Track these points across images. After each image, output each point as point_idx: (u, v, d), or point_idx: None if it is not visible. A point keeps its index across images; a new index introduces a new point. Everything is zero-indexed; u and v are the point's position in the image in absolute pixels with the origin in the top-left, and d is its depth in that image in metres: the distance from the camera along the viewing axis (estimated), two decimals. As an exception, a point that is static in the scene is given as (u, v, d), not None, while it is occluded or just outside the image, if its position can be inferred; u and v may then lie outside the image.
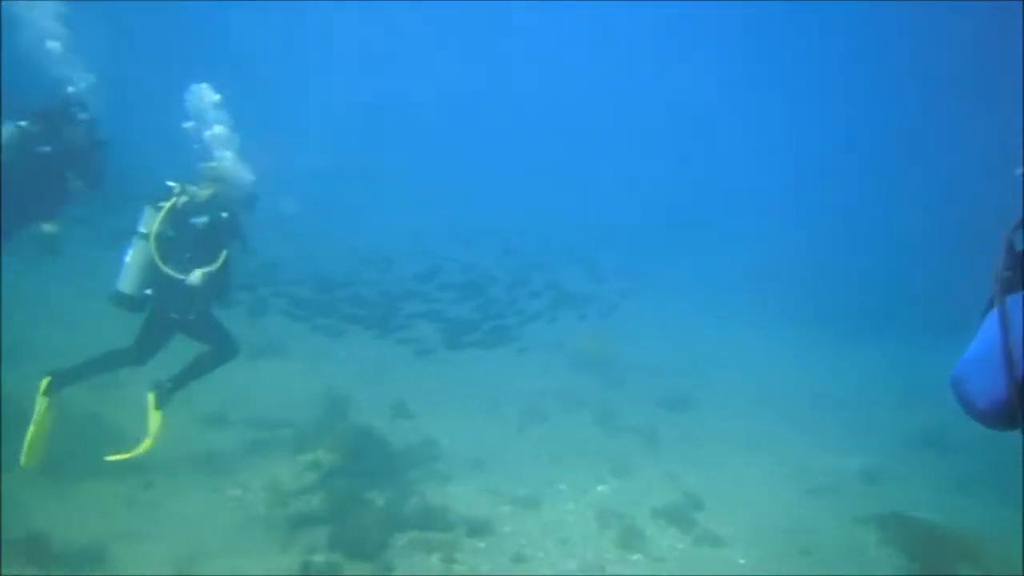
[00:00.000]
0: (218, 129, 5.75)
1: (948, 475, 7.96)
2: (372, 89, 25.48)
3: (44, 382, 5.56)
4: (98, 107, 6.21)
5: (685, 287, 15.53)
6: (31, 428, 5.47)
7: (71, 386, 5.72)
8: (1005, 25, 18.77)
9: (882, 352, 12.97)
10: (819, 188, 21.88)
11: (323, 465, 6.42)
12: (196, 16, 21.31)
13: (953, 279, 14.51)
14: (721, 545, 6.20)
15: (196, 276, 5.49)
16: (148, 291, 5.55)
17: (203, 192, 5.67)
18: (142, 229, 5.54)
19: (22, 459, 5.43)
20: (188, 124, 5.80)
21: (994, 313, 1.62)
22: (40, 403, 5.52)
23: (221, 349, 5.92)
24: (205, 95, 5.76)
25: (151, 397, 5.70)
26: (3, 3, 5.93)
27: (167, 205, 5.54)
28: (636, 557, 5.90)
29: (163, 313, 5.66)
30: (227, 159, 5.73)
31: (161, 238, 5.50)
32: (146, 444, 5.64)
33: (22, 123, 5.88)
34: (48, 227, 6.20)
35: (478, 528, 5.92)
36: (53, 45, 5.98)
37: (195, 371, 5.89)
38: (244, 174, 5.77)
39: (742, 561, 6.02)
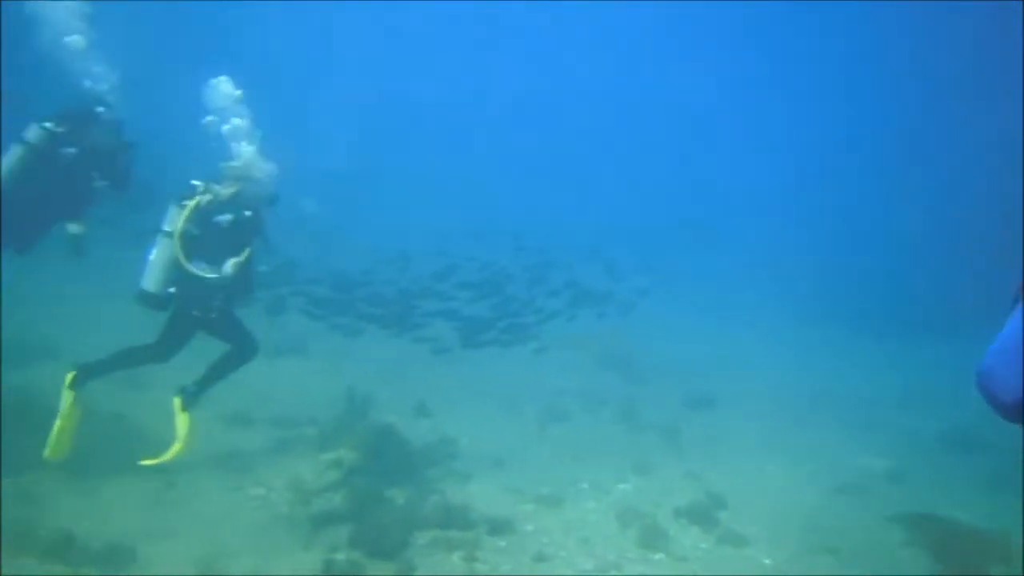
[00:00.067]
0: (237, 122, 5.74)
1: (975, 475, 7.84)
2: (380, 90, 25.57)
3: (69, 376, 5.60)
4: (122, 107, 6.25)
5: (698, 286, 15.46)
6: (57, 422, 5.51)
7: (96, 380, 5.75)
8: (1005, 25, 18.59)
9: (901, 351, 12.83)
10: (819, 188, 21.72)
11: (345, 463, 6.41)
12: (211, 16, 21.43)
13: (953, 279, 14.42)
14: (745, 545, 6.14)
15: (229, 266, 5.53)
16: (172, 289, 5.58)
17: (226, 191, 5.69)
18: (166, 227, 5.56)
19: (46, 452, 5.47)
20: (208, 119, 5.79)
21: (1020, 308, 1.63)
22: (66, 397, 5.55)
23: (242, 348, 5.96)
24: (224, 89, 5.76)
25: (177, 402, 5.74)
26: (28, 2, 5.96)
27: (191, 203, 5.57)
28: (659, 556, 5.85)
29: (186, 311, 5.69)
30: (247, 153, 5.74)
31: (186, 236, 5.53)
32: (176, 448, 5.69)
33: (47, 124, 5.92)
34: (74, 228, 6.25)
35: (499, 527, 5.90)
36: (76, 43, 6.00)
37: (217, 373, 5.93)
38: (266, 167, 5.78)
39: (767, 561, 5.96)
